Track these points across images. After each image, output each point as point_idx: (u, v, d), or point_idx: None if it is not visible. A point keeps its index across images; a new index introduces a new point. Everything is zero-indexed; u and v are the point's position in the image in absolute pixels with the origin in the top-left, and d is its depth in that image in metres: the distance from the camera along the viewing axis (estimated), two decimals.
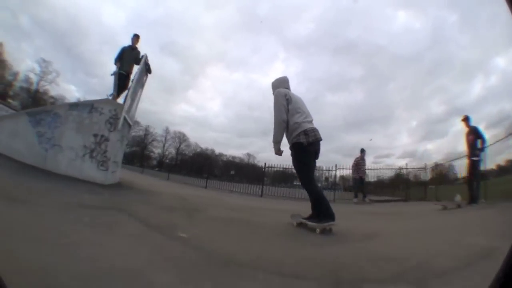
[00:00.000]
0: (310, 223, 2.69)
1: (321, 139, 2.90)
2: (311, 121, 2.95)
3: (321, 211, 2.66)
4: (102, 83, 38.37)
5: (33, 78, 36.40)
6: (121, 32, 45.48)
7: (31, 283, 0.93)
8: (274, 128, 2.91)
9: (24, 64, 36.91)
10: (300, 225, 2.83)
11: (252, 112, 54.46)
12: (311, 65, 53.09)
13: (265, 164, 12.74)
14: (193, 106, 60.69)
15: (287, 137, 2.96)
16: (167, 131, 46.93)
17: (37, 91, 36.95)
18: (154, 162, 43.13)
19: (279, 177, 27.23)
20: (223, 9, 63.50)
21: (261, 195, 10.63)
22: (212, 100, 63.48)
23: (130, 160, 35.22)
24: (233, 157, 46.60)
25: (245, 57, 61.86)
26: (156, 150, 46.18)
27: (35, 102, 32.96)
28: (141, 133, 44.15)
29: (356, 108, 42.64)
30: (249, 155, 48.04)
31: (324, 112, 47.46)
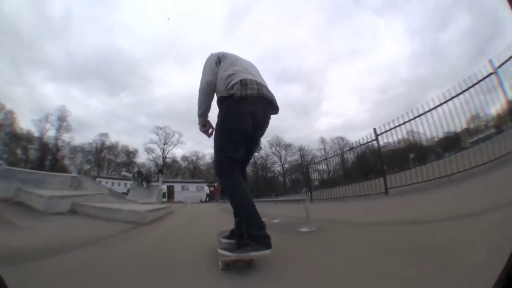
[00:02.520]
0: (222, 251, 1.54)
1: (270, 99, 1.77)
2: (256, 78, 1.81)
3: (247, 229, 1.53)
4: None
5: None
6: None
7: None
8: (199, 97, 1.88)
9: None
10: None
11: (386, 94, 49.00)
12: (409, 16, 44.66)
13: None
14: (332, 115, 56.95)
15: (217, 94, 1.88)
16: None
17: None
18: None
19: None
20: (305, 16, 57.69)
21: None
22: (346, 102, 57.40)
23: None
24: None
25: (352, 45, 53.78)
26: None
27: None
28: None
29: (471, 34, 36.54)
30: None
31: (448, 58, 39.94)
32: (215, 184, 25.51)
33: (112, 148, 39.86)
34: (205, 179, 37.27)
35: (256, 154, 2.44)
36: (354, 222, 3.18)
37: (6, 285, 0.75)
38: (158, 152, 42.14)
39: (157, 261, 1.87)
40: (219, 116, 1.73)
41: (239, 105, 1.61)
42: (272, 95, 1.80)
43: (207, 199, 24.95)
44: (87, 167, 37.83)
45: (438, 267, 1.19)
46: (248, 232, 1.51)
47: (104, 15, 51.70)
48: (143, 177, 16.96)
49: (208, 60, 1.90)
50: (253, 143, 1.89)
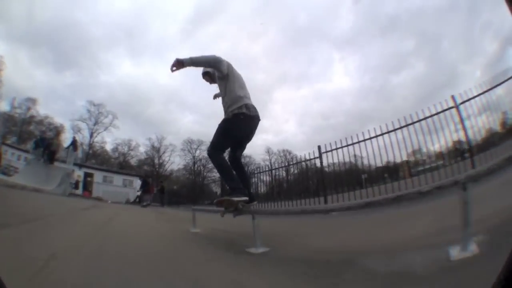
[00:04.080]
0: (226, 197, 2.48)
1: (259, 119, 2.68)
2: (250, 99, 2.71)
3: (232, 185, 2.47)
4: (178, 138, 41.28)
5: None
6: (181, 89, 48.93)
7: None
8: (203, 58, 2.53)
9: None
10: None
11: (327, 120, 51.32)
12: (366, 55, 51.37)
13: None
14: (270, 133, 52.83)
15: (224, 105, 2.67)
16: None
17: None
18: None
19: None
20: (265, 35, 58.29)
21: None
22: (286, 123, 57.40)
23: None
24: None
25: (303, 70, 56.99)
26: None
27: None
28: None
29: (422, 81, 40.69)
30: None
31: (394, 98, 44.30)
32: (150, 180, 20.81)
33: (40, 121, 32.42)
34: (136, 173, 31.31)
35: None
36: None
37: (6, 285, 0.78)
38: (86, 133, 35.44)
39: None
40: (226, 121, 2.58)
41: (243, 122, 2.51)
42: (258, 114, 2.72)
43: (137, 200, 16.43)
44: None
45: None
46: (232, 187, 2.44)
47: None
48: (46, 148, 12.09)
49: (221, 58, 2.57)
50: (246, 141, 2.79)
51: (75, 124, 34.65)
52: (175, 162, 39.24)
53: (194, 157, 39.98)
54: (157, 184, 16.77)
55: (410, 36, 44.23)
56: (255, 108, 2.59)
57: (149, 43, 52.26)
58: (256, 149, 40.93)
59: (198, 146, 39.56)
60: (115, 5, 50.20)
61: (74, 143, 14.62)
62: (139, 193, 15.75)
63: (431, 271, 1.22)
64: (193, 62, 2.43)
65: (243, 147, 2.82)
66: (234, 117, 2.48)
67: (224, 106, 2.65)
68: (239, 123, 2.47)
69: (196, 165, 39.43)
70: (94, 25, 51.93)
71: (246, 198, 2.39)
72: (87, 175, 20.82)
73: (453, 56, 38.31)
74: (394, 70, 52.34)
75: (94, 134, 35.94)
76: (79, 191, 17.04)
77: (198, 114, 53.08)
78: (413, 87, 41.43)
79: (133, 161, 37.89)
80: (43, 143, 12.64)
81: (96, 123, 35.70)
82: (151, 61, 52.89)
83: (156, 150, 39.58)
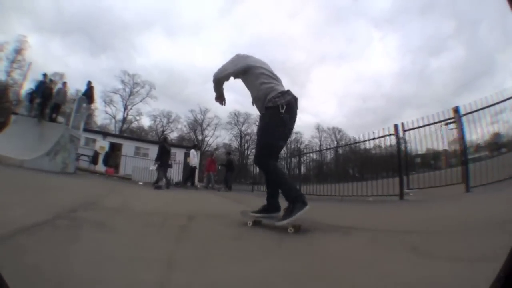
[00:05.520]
0: (279, 223, 1.92)
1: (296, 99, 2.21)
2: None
3: (292, 192, 2.00)
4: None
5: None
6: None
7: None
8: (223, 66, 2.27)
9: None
10: (257, 223, 2.14)
11: (366, 103, 50.21)
12: (406, 35, 48.62)
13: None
14: (308, 114, 55.14)
15: (256, 103, 2.26)
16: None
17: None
18: None
19: None
20: (304, 12, 55.69)
21: None
22: (325, 103, 55.07)
23: None
24: None
25: (343, 49, 54.33)
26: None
27: None
28: None
29: (462, 67, 39.61)
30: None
31: (434, 83, 42.71)
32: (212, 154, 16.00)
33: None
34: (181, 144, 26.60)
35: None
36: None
37: (7, 284, 0.74)
38: (120, 106, 33.02)
39: None
40: (264, 119, 2.17)
41: (287, 110, 2.06)
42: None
43: (187, 180, 10.94)
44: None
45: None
46: (291, 196, 1.96)
47: None
48: (44, 97, 7.88)
49: (233, 62, 2.26)
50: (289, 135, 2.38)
51: (107, 96, 32.28)
52: (220, 135, 36.51)
53: (241, 131, 37.09)
54: (211, 161, 11.58)
55: (450, 18, 43.97)
56: (291, 94, 2.16)
57: (186, 24, 50.98)
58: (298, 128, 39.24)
59: (246, 120, 37.02)
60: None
61: (89, 91, 9.10)
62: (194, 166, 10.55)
63: None
64: (217, 85, 2.34)
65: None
66: (267, 111, 2.10)
67: (257, 106, 2.26)
68: (276, 116, 2.05)
69: (243, 140, 36.29)
70: (127, 9, 51.03)
71: (308, 207, 1.91)
72: (113, 146, 15.70)
73: (491, 43, 36.23)
74: (434, 52, 49.32)
75: (129, 107, 33.28)
76: (100, 166, 12.71)
77: (237, 93, 52.21)
78: (452, 73, 39.53)
79: (174, 136, 34.76)
80: (40, 92, 8.11)
81: (131, 94, 33.32)
82: (188, 41, 52.27)
83: (199, 123, 36.79)
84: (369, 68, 51.17)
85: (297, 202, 1.88)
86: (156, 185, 7.83)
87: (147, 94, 34.33)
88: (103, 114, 32.46)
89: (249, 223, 2.13)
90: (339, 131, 36.80)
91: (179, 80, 49.09)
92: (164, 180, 8.29)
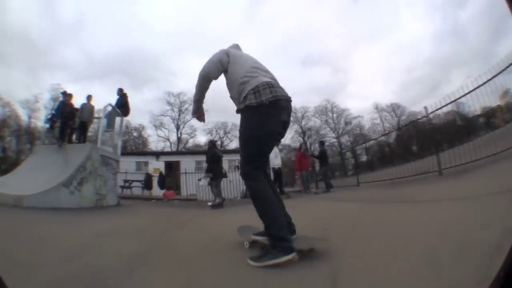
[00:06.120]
0: (248, 260, 1.45)
1: (288, 99, 1.68)
2: (268, 77, 1.69)
3: (272, 230, 1.48)
4: None
5: None
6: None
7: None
8: (197, 84, 1.83)
9: None
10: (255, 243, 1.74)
11: (412, 74, 47.12)
12: None
13: None
14: (357, 99, 55.18)
15: (234, 101, 1.79)
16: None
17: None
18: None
19: None
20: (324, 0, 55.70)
21: None
22: (372, 84, 53.52)
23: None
24: None
25: (374, 25, 53.10)
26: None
27: None
28: None
29: (489, 11, 33.70)
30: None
31: (468, 37, 38.90)
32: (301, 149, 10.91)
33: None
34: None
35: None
36: None
37: (6, 285, 0.75)
38: (172, 127, 32.87)
39: None
40: (245, 119, 1.65)
41: (263, 111, 1.56)
42: (284, 91, 1.69)
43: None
44: None
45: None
46: (271, 234, 1.49)
47: (117, 14, 46.75)
48: (65, 118, 6.16)
49: (215, 53, 1.82)
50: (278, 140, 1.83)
51: (157, 120, 32.37)
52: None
53: (301, 126, 34.49)
54: (301, 156, 8.85)
55: None
56: (274, 86, 1.60)
57: (213, 38, 51.50)
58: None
59: (304, 114, 34.90)
60: (164, 16, 49.16)
61: (121, 100, 7.04)
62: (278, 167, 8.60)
63: None
64: (196, 100, 1.90)
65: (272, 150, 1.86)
66: (242, 112, 1.63)
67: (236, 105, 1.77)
68: (254, 117, 1.58)
69: (305, 136, 33.76)
70: (154, 41, 51.37)
71: (291, 257, 1.35)
72: (170, 165, 13.82)
73: None
74: (459, 3, 44.34)
75: (181, 126, 33.22)
76: (156, 191, 10.93)
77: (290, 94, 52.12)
78: (482, 20, 36.57)
79: (233, 145, 33.32)
80: (59, 112, 6.37)
81: (180, 113, 33.08)
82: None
83: None
84: (404, 38, 47.07)
85: (276, 246, 1.41)
86: (213, 204, 6.02)
87: None
88: (155, 138, 32.86)
89: (246, 244, 1.79)
90: (398, 106, 33.86)
91: (227, 93, 49.52)
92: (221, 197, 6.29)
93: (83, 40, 45.25)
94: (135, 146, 30.75)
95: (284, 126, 1.69)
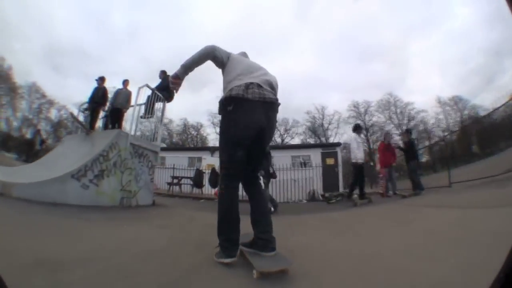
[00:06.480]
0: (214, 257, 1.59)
1: (273, 100, 1.67)
2: (261, 78, 1.69)
3: (219, 235, 1.60)
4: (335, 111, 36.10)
5: None
6: (317, 70, 45.31)
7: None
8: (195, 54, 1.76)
9: None
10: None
11: (467, 65, 41.93)
12: None
13: None
14: (417, 94, 52.15)
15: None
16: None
17: None
18: None
19: None
20: None
21: None
22: (430, 77, 49.29)
23: None
24: None
25: (424, 15, 52.41)
26: None
27: None
28: None
29: None
30: None
31: None
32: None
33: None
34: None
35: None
36: None
37: (6, 285, 0.75)
38: None
39: None
40: (221, 121, 1.70)
41: (236, 111, 1.57)
42: (271, 94, 1.69)
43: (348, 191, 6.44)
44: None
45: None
46: (219, 235, 1.59)
47: (170, 20, 47.06)
48: (96, 103, 5.61)
49: (214, 45, 1.83)
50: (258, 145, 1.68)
51: (215, 117, 31.84)
52: (345, 132, 31.51)
53: (364, 122, 30.43)
54: (386, 148, 6.84)
55: None
56: (261, 87, 1.62)
57: (270, 41, 47.90)
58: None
59: (366, 109, 31.60)
60: (218, 19, 47.82)
61: (164, 83, 5.69)
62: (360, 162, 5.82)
63: None
64: (187, 67, 1.73)
65: (257, 156, 1.75)
66: (220, 106, 1.67)
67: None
68: (228, 114, 1.59)
69: (368, 133, 30.37)
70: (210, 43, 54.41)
71: (229, 260, 1.52)
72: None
73: None
74: None
75: None
76: (204, 188, 9.70)
77: (340, 90, 46.55)
78: None
79: (294, 142, 31.81)
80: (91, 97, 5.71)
81: None
82: (277, 55, 48.03)
83: (319, 123, 33.36)
84: (455, 26, 40.14)
85: (220, 247, 1.57)
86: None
87: None
88: (214, 136, 32.84)
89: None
90: (460, 99, 29.77)
91: (286, 92, 48.55)
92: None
93: (139, 47, 46.86)
94: (193, 144, 31.35)
95: (261, 129, 1.59)
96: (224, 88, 1.70)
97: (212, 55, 1.75)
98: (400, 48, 45.01)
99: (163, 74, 6.46)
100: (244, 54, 2.01)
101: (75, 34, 38.11)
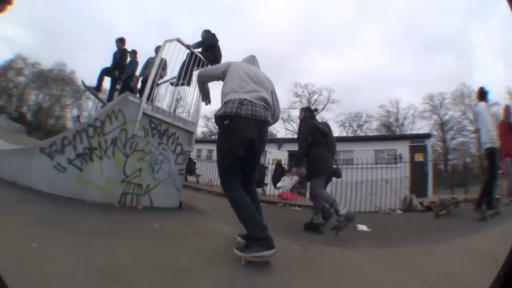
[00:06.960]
0: (236, 251, 1.67)
1: (263, 119, 1.80)
2: (254, 95, 1.85)
3: (253, 232, 1.65)
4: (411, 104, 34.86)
5: None
6: (387, 65, 44.68)
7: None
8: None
9: None
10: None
11: None
12: None
13: None
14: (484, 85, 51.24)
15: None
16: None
17: None
18: None
19: None
20: None
21: None
22: (493, 68, 44.86)
23: None
24: None
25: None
26: None
27: None
28: None
29: None
30: None
31: None
32: None
33: None
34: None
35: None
36: None
37: (6, 285, 0.75)
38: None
39: None
40: (218, 133, 1.88)
41: (234, 125, 1.74)
42: (264, 113, 1.82)
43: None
44: None
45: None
46: (250, 234, 1.65)
47: (234, 21, 49.34)
48: (117, 67, 4.66)
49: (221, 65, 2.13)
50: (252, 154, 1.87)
51: (284, 112, 30.49)
52: (422, 128, 28.35)
53: (440, 117, 27.18)
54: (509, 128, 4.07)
55: None
56: (255, 105, 1.78)
57: (336, 34, 46.40)
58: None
59: (441, 102, 27.90)
60: (280, 18, 48.42)
61: (207, 41, 4.61)
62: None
63: None
64: (199, 89, 2.37)
65: (250, 163, 1.94)
66: (220, 124, 1.84)
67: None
68: (227, 129, 1.77)
69: (444, 128, 26.89)
70: (275, 43, 50.78)
71: (271, 252, 1.58)
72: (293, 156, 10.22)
73: None
74: None
75: None
76: (267, 188, 7.79)
77: (412, 85, 42.69)
78: None
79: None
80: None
81: (309, 104, 30.36)
82: (344, 50, 47.77)
83: (394, 118, 30.10)
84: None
85: (257, 244, 1.59)
86: (308, 223, 3.25)
87: (327, 100, 31.17)
88: (283, 132, 31.64)
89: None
90: None
91: (353, 88, 44.14)
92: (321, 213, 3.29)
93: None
94: None
95: (252, 143, 1.76)
96: (221, 100, 1.89)
97: (204, 81, 2.18)
98: (463, 36, 40.47)
99: (206, 33, 4.92)
100: (251, 59, 2.20)
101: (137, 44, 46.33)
